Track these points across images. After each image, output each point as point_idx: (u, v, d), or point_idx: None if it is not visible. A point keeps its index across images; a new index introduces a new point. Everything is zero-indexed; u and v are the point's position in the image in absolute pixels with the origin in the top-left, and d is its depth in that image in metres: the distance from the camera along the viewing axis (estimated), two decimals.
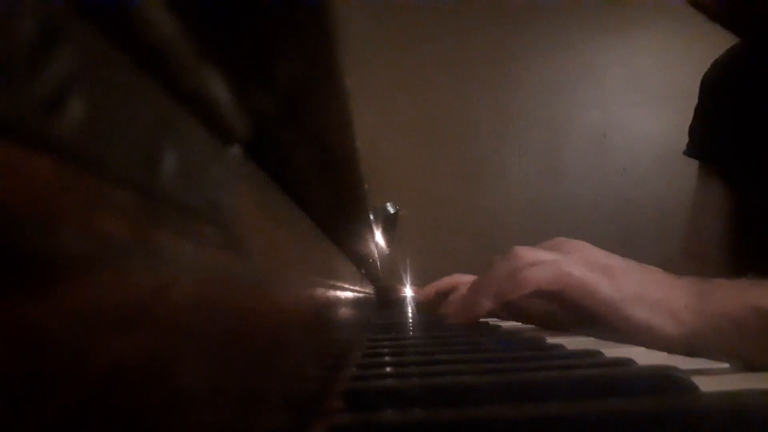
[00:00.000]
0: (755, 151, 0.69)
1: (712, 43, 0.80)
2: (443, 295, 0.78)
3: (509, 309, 0.59)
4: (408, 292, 1.12)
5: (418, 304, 0.91)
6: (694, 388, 0.21)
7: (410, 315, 0.84)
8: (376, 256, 0.65)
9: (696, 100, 0.82)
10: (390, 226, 0.83)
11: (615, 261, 0.47)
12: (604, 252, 0.49)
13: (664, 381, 0.22)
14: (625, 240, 1.67)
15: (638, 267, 0.48)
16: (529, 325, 0.59)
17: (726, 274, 0.66)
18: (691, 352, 0.34)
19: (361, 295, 0.60)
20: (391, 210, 0.85)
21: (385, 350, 0.38)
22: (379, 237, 0.70)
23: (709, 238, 0.77)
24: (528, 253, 0.49)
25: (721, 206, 0.75)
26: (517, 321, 0.62)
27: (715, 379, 0.24)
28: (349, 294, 0.45)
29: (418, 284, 1.12)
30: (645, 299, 0.44)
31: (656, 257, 0.86)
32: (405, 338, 0.48)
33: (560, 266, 0.45)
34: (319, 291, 0.28)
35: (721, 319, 0.42)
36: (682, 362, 0.29)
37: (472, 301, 0.52)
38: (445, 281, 0.80)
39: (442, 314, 0.72)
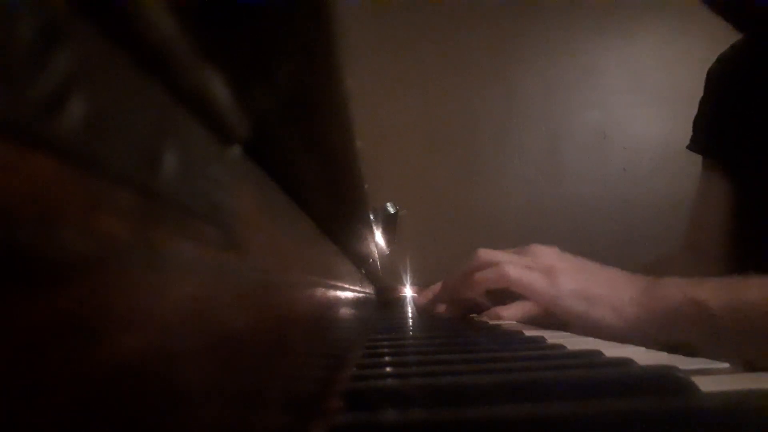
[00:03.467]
0: (759, 146, 0.69)
1: (712, 43, 0.80)
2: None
3: (466, 306, 0.66)
4: (408, 292, 1.12)
5: (418, 306, 0.91)
6: (694, 388, 0.21)
7: (410, 315, 0.84)
8: (376, 256, 0.65)
9: (696, 99, 0.82)
10: (390, 226, 0.83)
11: (562, 263, 0.55)
12: (562, 256, 0.56)
13: (664, 381, 0.22)
14: (625, 240, 1.67)
15: (588, 267, 0.55)
16: (529, 325, 0.59)
17: (728, 269, 0.68)
18: (639, 342, 0.37)
19: (361, 295, 0.60)
20: (391, 210, 0.85)
21: (385, 350, 0.38)
22: (379, 237, 0.70)
23: (711, 233, 0.77)
24: (486, 255, 0.57)
25: (724, 201, 0.76)
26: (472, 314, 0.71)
27: (715, 379, 0.24)
28: (349, 294, 0.45)
29: (418, 284, 1.12)
30: (583, 294, 0.52)
31: (656, 257, 0.87)
32: (405, 338, 0.48)
33: (501, 268, 0.54)
34: (319, 291, 0.28)
35: (662, 311, 0.48)
36: (682, 362, 0.29)
37: (439, 296, 0.65)
38: (439, 285, 0.82)
39: (441, 314, 0.73)
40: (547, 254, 0.56)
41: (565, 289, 0.52)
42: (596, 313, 0.50)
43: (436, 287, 0.82)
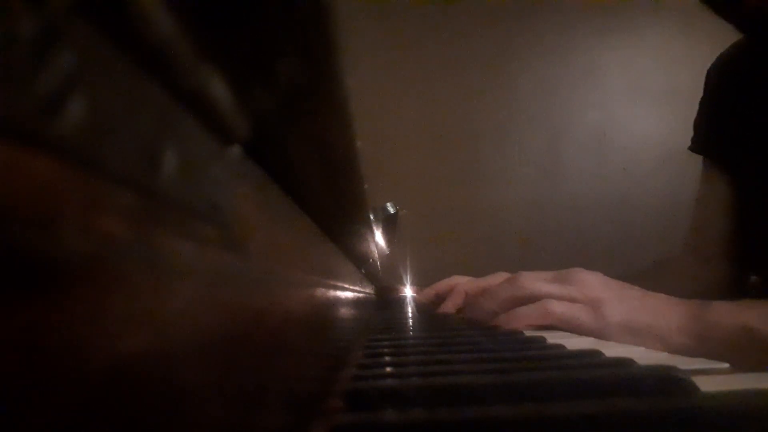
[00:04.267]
0: (758, 147, 0.69)
1: (712, 43, 0.80)
2: (442, 297, 0.79)
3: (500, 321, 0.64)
4: (408, 292, 1.12)
5: (418, 305, 0.91)
6: (694, 388, 0.21)
7: (410, 315, 0.84)
8: (376, 256, 0.65)
9: (696, 99, 0.82)
10: (390, 226, 0.83)
11: (606, 293, 0.52)
12: (607, 283, 0.54)
13: (664, 381, 0.22)
14: (624, 240, 1.67)
15: (631, 295, 0.53)
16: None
17: (729, 271, 0.67)
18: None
19: (361, 295, 0.60)
20: (391, 210, 0.85)
21: (386, 350, 0.38)
22: (379, 237, 0.70)
23: (713, 234, 0.77)
24: (528, 285, 0.55)
25: (725, 202, 0.75)
26: None
27: (715, 379, 0.24)
28: (349, 294, 0.45)
29: (418, 284, 1.12)
30: (631, 326, 0.50)
31: (656, 257, 0.87)
32: (405, 338, 0.48)
33: (545, 306, 0.52)
34: (319, 291, 0.28)
35: (713, 340, 0.46)
36: (682, 362, 0.29)
37: (471, 308, 0.62)
38: (444, 283, 0.81)
39: (440, 314, 0.73)
40: (591, 283, 0.53)
41: (610, 322, 0.50)
42: (643, 345, 0.47)
43: (439, 286, 0.82)
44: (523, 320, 0.53)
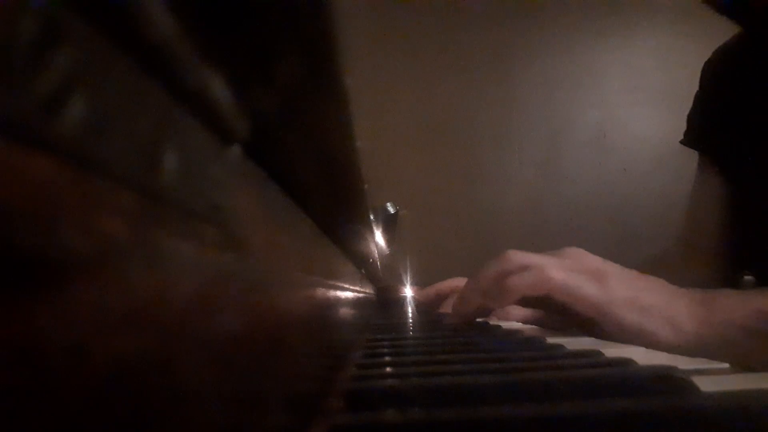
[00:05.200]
0: (752, 141, 0.69)
1: (711, 43, 0.80)
2: (443, 297, 0.79)
3: (497, 314, 0.61)
4: (408, 292, 1.12)
5: (419, 305, 0.91)
6: (694, 388, 0.21)
7: (410, 315, 0.84)
8: (376, 256, 0.65)
9: None
10: (390, 226, 0.83)
11: (609, 267, 0.47)
12: (602, 260, 0.48)
13: (664, 381, 0.22)
14: (625, 240, 1.67)
15: (635, 274, 0.48)
16: (529, 325, 0.59)
17: (722, 265, 0.65)
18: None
19: (361, 295, 0.60)
20: (391, 210, 0.85)
21: (386, 350, 0.38)
22: (379, 237, 0.70)
23: (706, 227, 0.77)
24: (517, 257, 0.48)
25: (718, 196, 0.75)
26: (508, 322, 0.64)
27: (715, 379, 0.24)
28: (349, 294, 0.45)
29: (418, 284, 1.12)
30: (637, 303, 0.44)
31: (651, 253, 0.87)
32: (405, 338, 0.48)
33: (543, 271, 0.45)
34: (319, 291, 0.28)
35: (728, 326, 0.43)
36: (682, 362, 0.29)
37: (461, 304, 0.54)
38: (445, 284, 0.81)
39: (441, 314, 0.73)
40: (590, 257, 0.48)
41: (617, 295, 0.45)
42: (651, 326, 0.44)
43: (440, 286, 0.82)
44: (516, 290, 0.46)
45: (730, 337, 0.42)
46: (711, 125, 0.77)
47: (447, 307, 0.74)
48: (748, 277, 0.68)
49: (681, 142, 0.81)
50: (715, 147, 0.76)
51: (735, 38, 0.75)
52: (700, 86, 0.81)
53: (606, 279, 0.45)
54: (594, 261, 0.48)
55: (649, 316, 0.44)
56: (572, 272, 0.46)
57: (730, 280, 0.72)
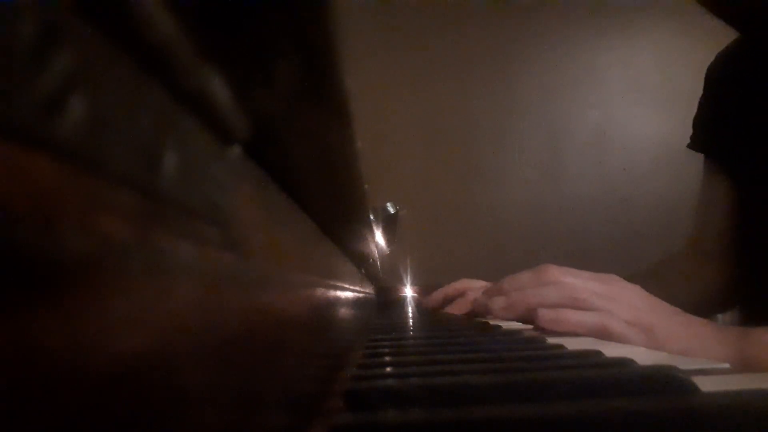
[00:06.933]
0: (758, 145, 0.69)
1: (711, 43, 0.80)
2: (450, 300, 0.77)
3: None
4: (408, 292, 1.12)
5: (418, 305, 0.91)
6: (694, 388, 0.21)
7: (410, 315, 0.84)
8: (376, 256, 0.65)
9: (695, 99, 0.82)
10: (390, 226, 0.83)
11: (657, 318, 0.50)
12: (650, 302, 0.51)
13: (664, 381, 0.22)
14: (624, 239, 1.67)
15: (680, 321, 0.50)
16: (529, 325, 0.59)
17: (731, 270, 0.65)
18: None
19: (361, 295, 0.60)
20: (391, 210, 0.85)
21: (386, 350, 0.38)
22: (379, 237, 0.70)
23: (714, 232, 0.77)
24: (578, 290, 0.50)
25: (726, 200, 0.75)
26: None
27: (715, 379, 0.24)
28: (349, 294, 0.45)
29: (418, 284, 1.12)
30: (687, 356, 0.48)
31: (656, 257, 0.87)
32: (405, 338, 0.48)
33: (603, 319, 0.48)
34: (319, 291, 0.28)
35: (758, 364, 0.44)
36: (682, 362, 0.29)
37: (485, 302, 0.56)
38: (454, 287, 0.79)
39: (446, 314, 0.73)
40: (638, 305, 0.50)
41: (667, 350, 0.47)
42: None
43: (447, 290, 0.80)
44: (571, 325, 0.49)
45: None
46: (716, 130, 0.77)
47: (453, 308, 0.73)
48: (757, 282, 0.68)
49: (688, 146, 0.82)
50: (721, 151, 0.76)
51: (737, 42, 0.76)
52: (704, 91, 0.81)
53: (655, 335, 0.48)
54: (644, 308, 0.50)
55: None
56: (628, 326, 0.49)
57: (740, 282, 0.72)
